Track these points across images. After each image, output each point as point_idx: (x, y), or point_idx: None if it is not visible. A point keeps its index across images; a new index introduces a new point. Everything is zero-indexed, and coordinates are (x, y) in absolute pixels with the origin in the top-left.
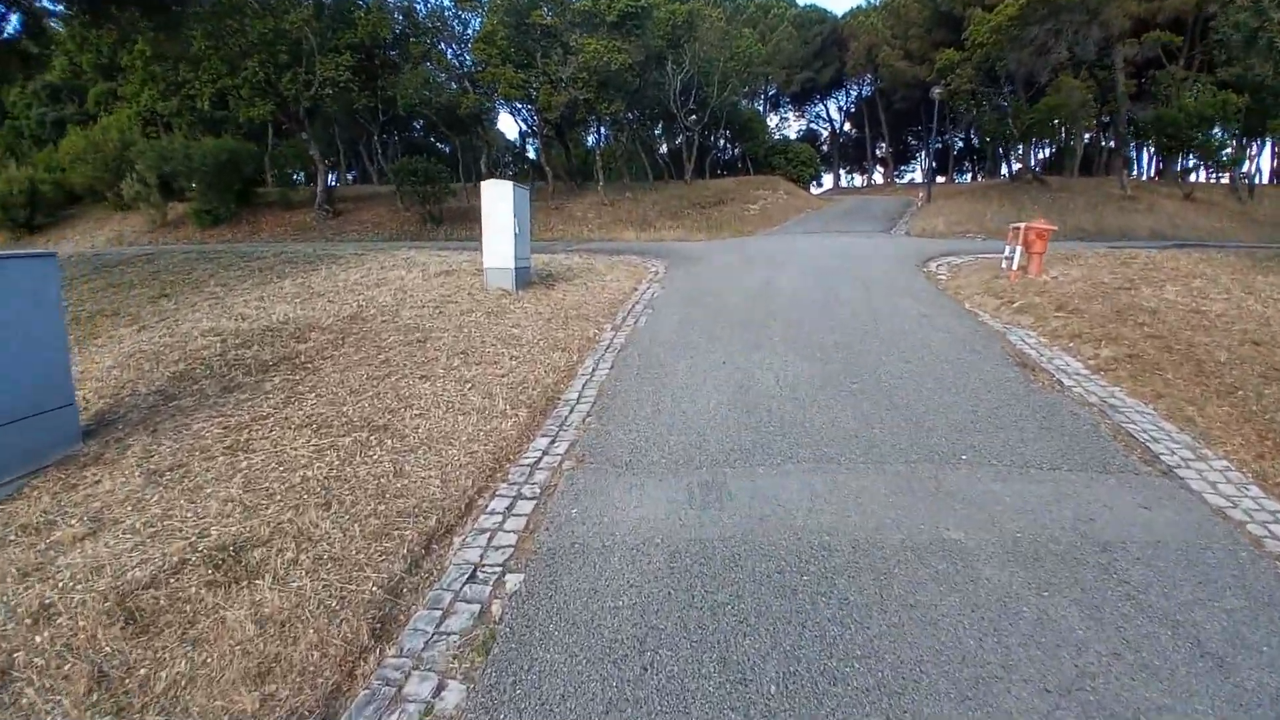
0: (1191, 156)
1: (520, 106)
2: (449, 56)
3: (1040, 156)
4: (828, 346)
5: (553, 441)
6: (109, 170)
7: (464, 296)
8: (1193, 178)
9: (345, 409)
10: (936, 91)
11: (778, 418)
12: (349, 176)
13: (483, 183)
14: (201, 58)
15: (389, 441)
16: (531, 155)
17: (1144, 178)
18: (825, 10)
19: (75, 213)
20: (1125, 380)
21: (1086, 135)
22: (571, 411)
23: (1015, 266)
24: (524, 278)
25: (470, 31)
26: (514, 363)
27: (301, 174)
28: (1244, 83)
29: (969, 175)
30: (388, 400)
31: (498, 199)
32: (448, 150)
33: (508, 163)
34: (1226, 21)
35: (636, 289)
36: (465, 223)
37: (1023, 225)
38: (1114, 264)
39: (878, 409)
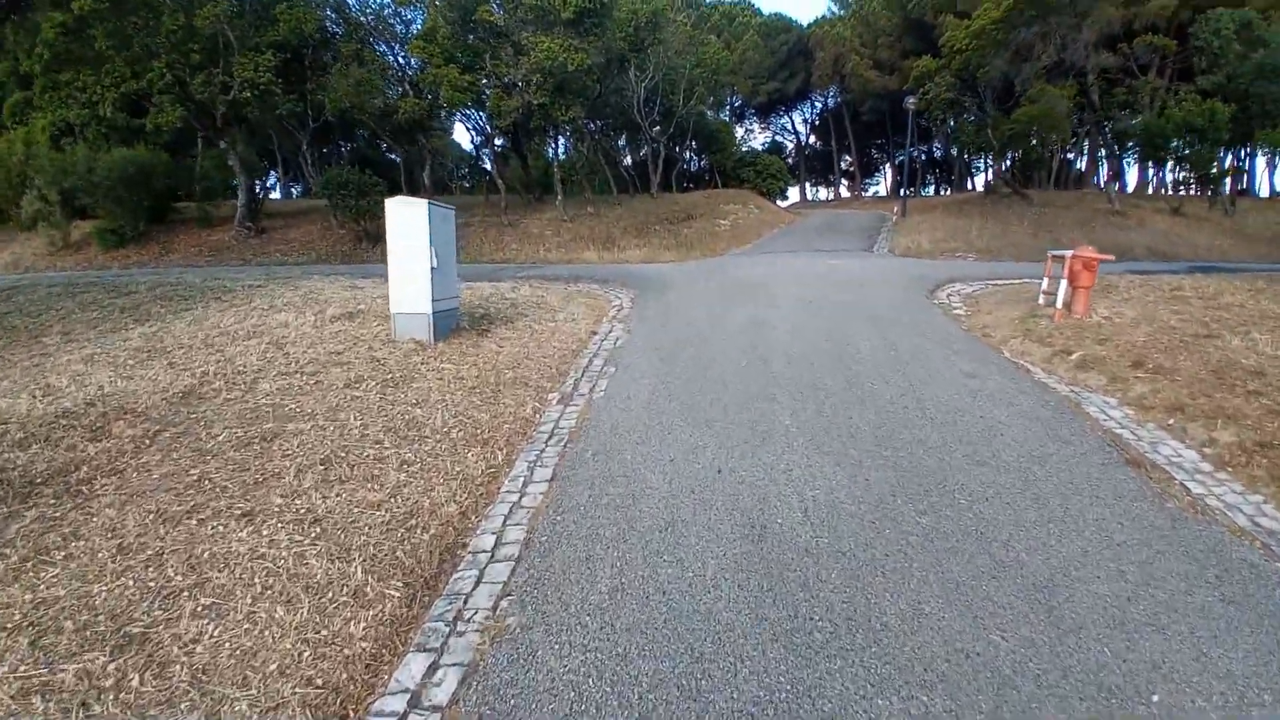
0: (1180, 169)
1: (470, 112)
2: (389, 57)
3: (1002, 168)
4: (861, 435)
5: (431, 670)
6: (11, 187)
7: (360, 353)
8: (1153, 190)
9: (94, 592)
10: (911, 101)
11: (824, 607)
12: (293, 190)
13: (387, 202)
14: (104, 60)
15: (132, 680)
16: (489, 167)
17: (1117, 191)
18: (791, 19)
19: None
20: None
21: (1065, 147)
22: (477, 585)
23: (1060, 304)
24: (447, 324)
25: (414, 31)
26: (404, 475)
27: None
28: (1226, 91)
29: (931, 188)
30: (170, 570)
31: (409, 224)
32: (399, 161)
33: (463, 175)
34: (1206, 28)
35: (595, 333)
36: None
37: (1068, 253)
38: (1163, 297)
39: (978, 578)
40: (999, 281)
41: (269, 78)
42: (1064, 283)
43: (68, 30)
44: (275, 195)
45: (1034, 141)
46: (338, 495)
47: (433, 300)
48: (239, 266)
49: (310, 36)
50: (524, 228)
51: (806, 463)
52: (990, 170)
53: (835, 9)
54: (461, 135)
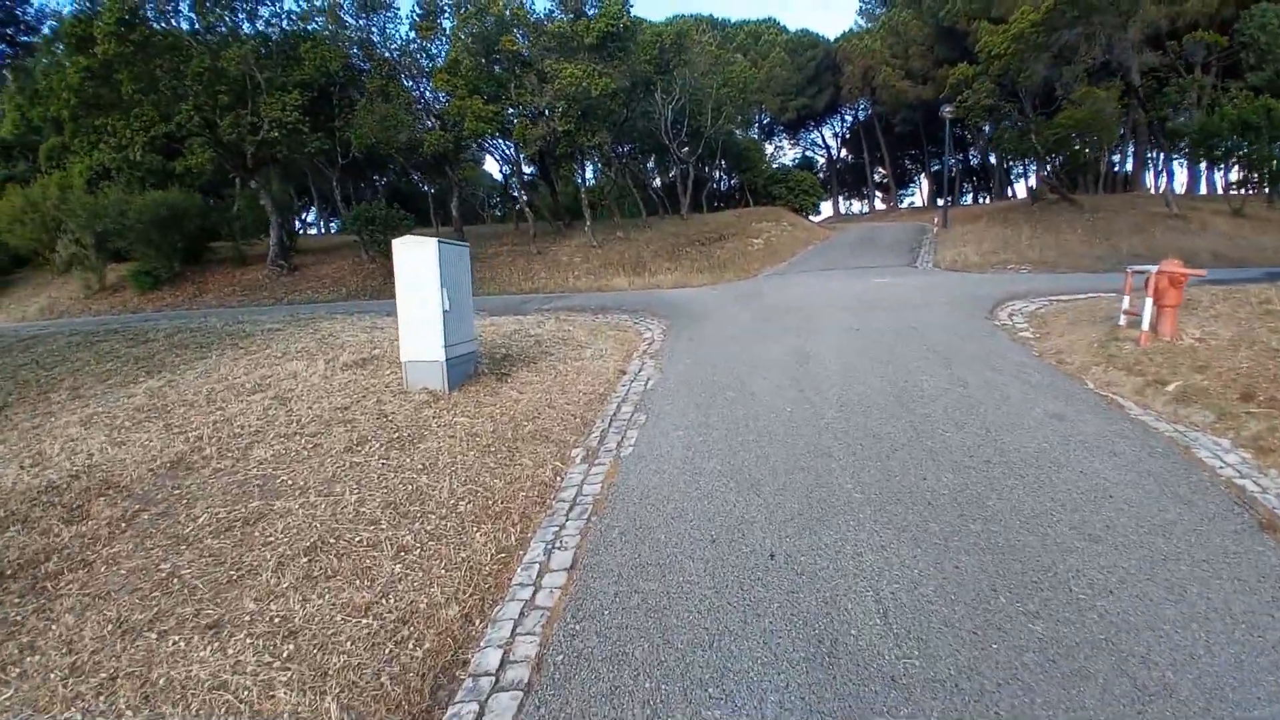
0: (1237, 168)
1: (496, 142)
2: (414, 91)
3: (1046, 174)
4: (940, 502)
5: None
6: (47, 231)
7: (367, 408)
8: (1204, 191)
9: None
10: (947, 110)
11: None
12: (331, 226)
13: (395, 243)
14: (131, 104)
15: None
16: (517, 195)
17: (1163, 193)
18: (818, 35)
19: (19, 278)
20: None
21: (1111, 150)
22: None
23: (1146, 326)
24: (463, 370)
25: (439, 64)
26: (400, 565)
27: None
28: (1277, 86)
29: (969, 197)
30: (122, 702)
31: (418, 265)
32: (431, 193)
33: (494, 203)
34: (1251, 24)
35: (624, 373)
36: None
37: (1152, 269)
38: (1256, 313)
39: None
40: (1063, 297)
41: (296, 116)
42: (1149, 301)
43: (93, 74)
44: (314, 230)
45: (1080, 145)
46: (320, 597)
47: (445, 346)
48: (269, 306)
49: (336, 74)
50: (553, 255)
51: (878, 543)
52: (1031, 176)
53: (863, 22)
54: (492, 165)
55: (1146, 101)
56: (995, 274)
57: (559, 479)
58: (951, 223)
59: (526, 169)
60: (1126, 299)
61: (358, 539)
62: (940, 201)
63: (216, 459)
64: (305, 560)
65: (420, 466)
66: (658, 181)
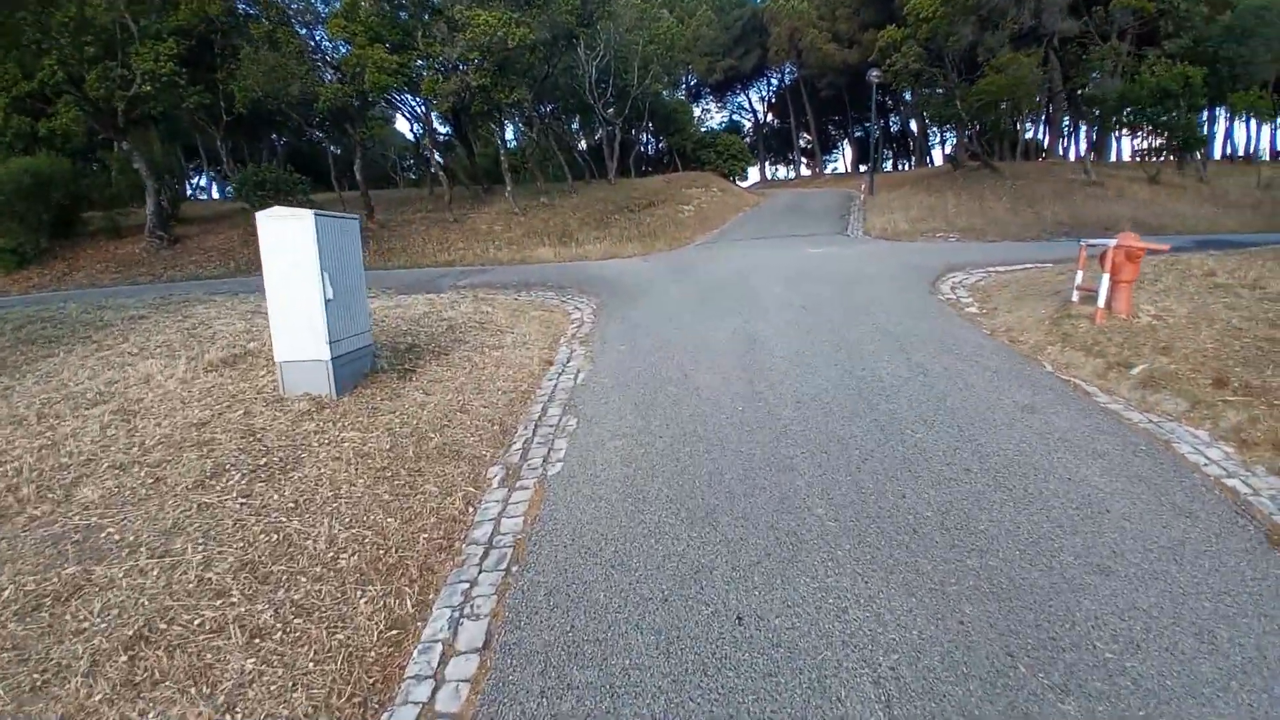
0: (1155, 135)
1: (405, 98)
2: (308, 39)
3: (968, 141)
4: (926, 528)
5: None
6: None
7: (232, 423)
8: (1111, 157)
9: None
10: (875, 74)
11: None
12: (228, 192)
13: (259, 216)
14: None
15: None
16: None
17: (1080, 160)
18: None
19: None
20: None
21: (1029, 117)
22: None
23: (1101, 303)
24: (355, 368)
25: (336, 9)
26: (252, 660)
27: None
28: (1194, 55)
29: (889, 163)
30: None
31: (291, 244)
32: (336, 154)
33: (407, 165)
34: None
35: (551, 363)
36: None
37: (1110, 244)
38: (1204, 287)
39: None
40: (999, 268)
41: (171, 67)
42: (1105, 277)
43: None
44: (214, 195)
45: (1003, 111)
46: (140, 718)
47: (330, 342)
48: (146, 284)
49: (218, 19)
50: (471, 223)
51: (865, 591)
52: (949, 144)
53: None
54: (405, 125)
55: (1070, 68)
56: (926, 242)
57: (471, 510)
58: (877, 189)
59: (441, 129)
60: (1080, 274)
61: (199, 621)
62: (863, 168)
63: (34, 503)
64: (126, 658)
65: (292, 504)
66: (583, 144)
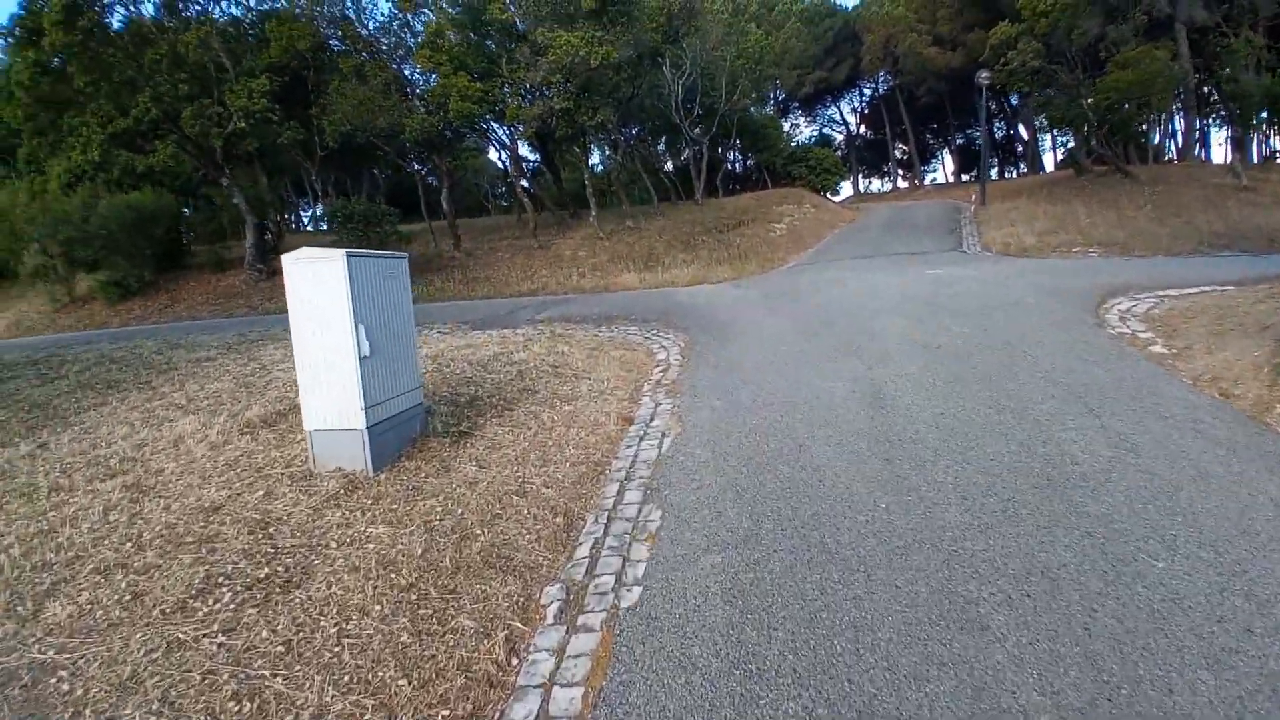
0: None
1: (491, 125)
2: (395, 70)
3: (1094, 144)
4: None
5: None
6: (18, 240)
7: (247, 507)
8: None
9: None
10: (984, 76)
11: None
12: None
13: (284, 260)
14: (86, 99)
15: None
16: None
17: (1230, 163)
18: (835, 2)
19: None
20: None
21: (1161, 116)
22: None
23: None
24: (400, 434)
25: (421, 40)
26: None
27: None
28: None
29: (994, 171)
30: None
31: (318, 290)
32: (433, 184)
33: (499, 193)
34: None
35: (630, 422)
36: (428, 273)
37: None
38: None
39: None
40: (1170, 292)
41: (264, 104)
42: None
43: (43, 69)
44: (312, 228)
45: (1133, 110)
46: None
47: (366, 408)
48: (241, 317)
49: (307, 55)
50: (555, 249)
51: None
52: (1061, 149)
53: None
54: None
55: (1213, 60)
56: (1062, 259)
57: (515, 663)
58: (989, 199)
59: (530, 155)
60: None
61: None
62: (965, 177)
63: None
64: None
65: (282, 646)
66: (670, 165)
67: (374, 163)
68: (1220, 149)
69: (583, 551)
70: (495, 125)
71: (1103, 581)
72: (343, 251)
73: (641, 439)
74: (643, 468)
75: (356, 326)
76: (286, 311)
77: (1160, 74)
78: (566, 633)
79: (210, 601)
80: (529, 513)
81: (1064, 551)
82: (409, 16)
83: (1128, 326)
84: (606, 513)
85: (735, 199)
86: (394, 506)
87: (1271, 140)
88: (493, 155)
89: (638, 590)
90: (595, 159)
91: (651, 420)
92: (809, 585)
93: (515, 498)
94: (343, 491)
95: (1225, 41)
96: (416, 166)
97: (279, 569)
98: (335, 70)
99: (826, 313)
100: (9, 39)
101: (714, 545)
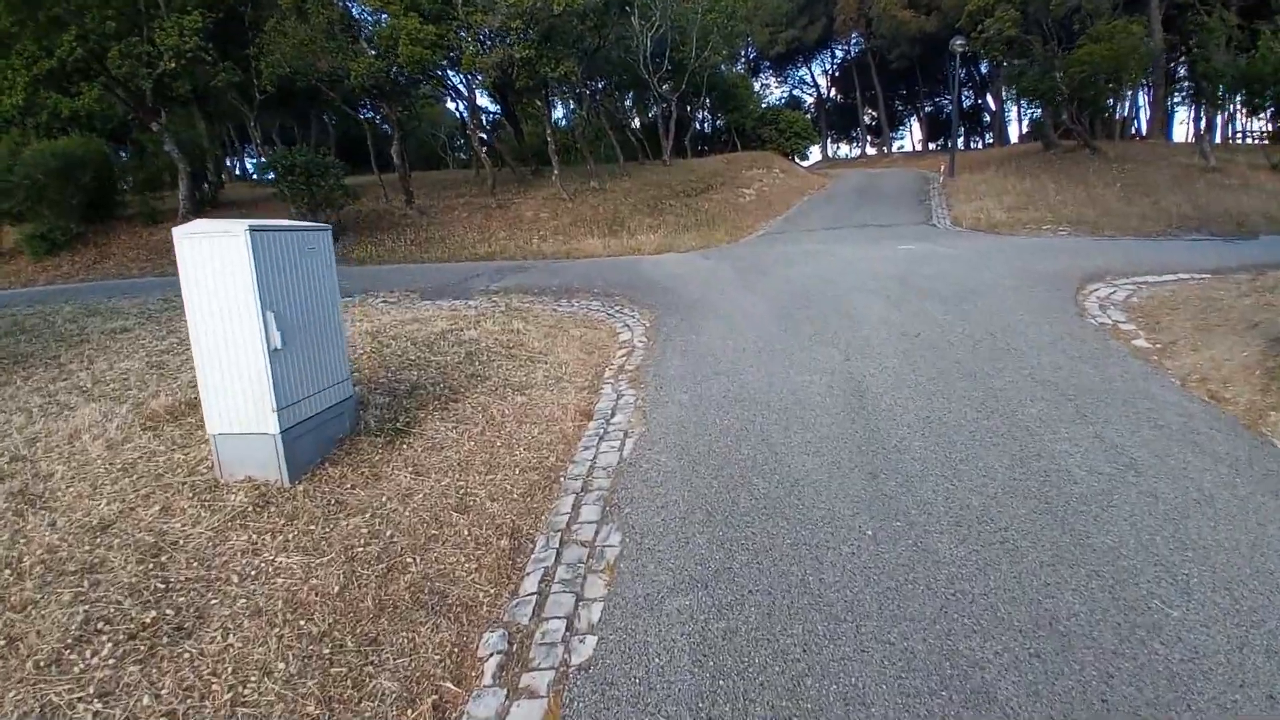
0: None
1: (444, 72)
2: (347, 9)
3: (1063, 118)
4: None
5: None
6: None
7: (144, 524)
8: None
9: None
10: (959, 43)
11: None
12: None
13: (175, 234)
14: (12, 38)
15: None
16: (485, 138)
17: (1197, 142)
18: None
19: None
20: None
21: (1128, 92)
22: None
23: None
24: (325, 434)
25: None
26: None
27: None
28: None
29: (960, 140)
30: None
31: (219, 273)
32: (386, 134)
33: (458, 146)
34: None
35: (590, 419)
36: (377, 232)
37: None
38: None
39: None
40: (1148, 279)
41: (195, 42)
42: None
43: None
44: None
45: (1106, 86)
46: None
47: (279, 409)
48: (174, 275)
49: None
50: (515, 210)
51: None
52: (1027, 121)
53: None
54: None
55: (1186, 38)
56: (1032, 236)
57: None
58: (957, 171)
59: (491, 106)
60: None
61: None
62: (933, 146)
63: None
64: None
65: (163, 717)
66: (637, 122)
67: (322, 109)
68: (1183, 127)
69: (530, 585)
70: (451, 73)
71: (1117, 637)
72: (245, 225)
73: (601, 438)
74: (601, 475)
75: (264, 314)
76: None
77: (1134, 49)
78: (507, 698)
79: (88, 654)
80: (470, 534)
81: (1072, 597)
82: None
83: (1109, 317)
84: (559, 533)
85: (704, 161)
86: (310, 527)
87: (1238, 121)
88: (450, 105)
89: (592, 641)
90: (559, 113)
91: (612, 416)
92: (790, 640)
93: (455, 514)
94: (251, 508)
95: (1200, 19)
96: (367, 115)
97: (169, 611)
98: (274, 7)
99: (800, 291)
100: None
101: (681, 583)
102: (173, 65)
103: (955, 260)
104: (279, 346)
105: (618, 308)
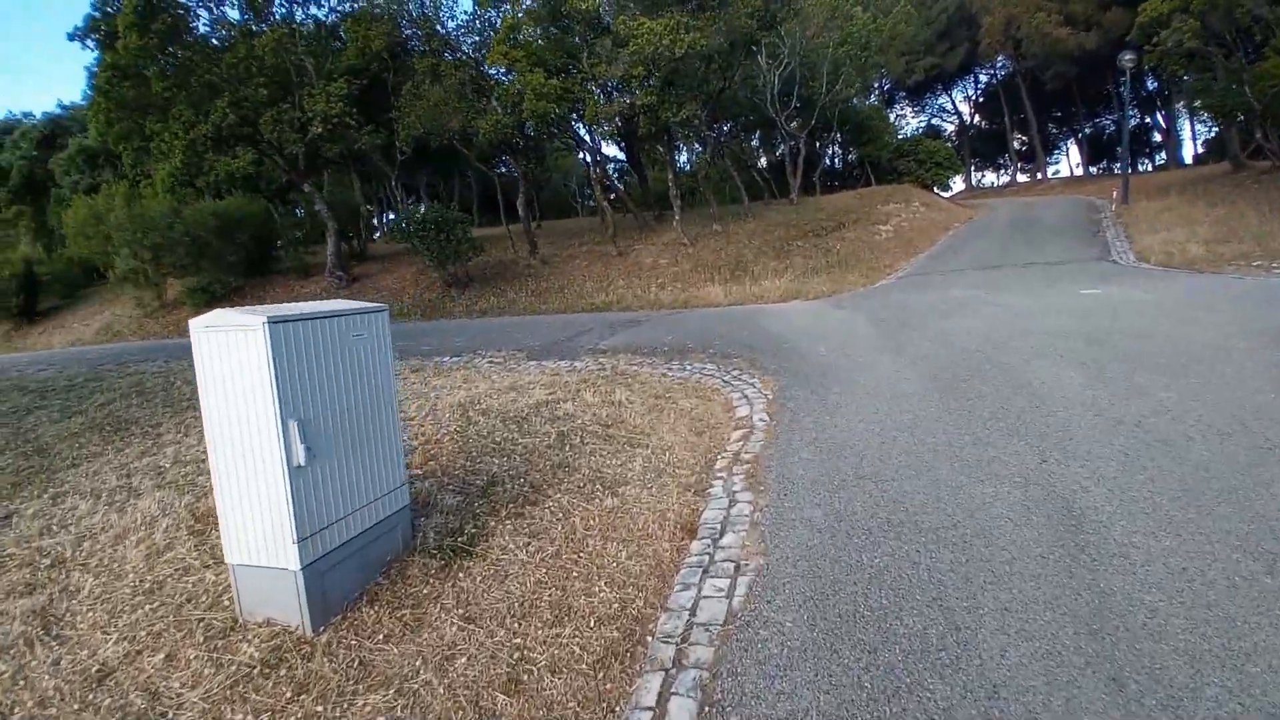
0: None
1: (570, 124)
2: (481, 70)
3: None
4: None
5: None
6: (112, 244)
7: (143, 679)
8: None
9: None
10: (1128, 58)
11: None
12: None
13: (192, 325)
14: (164, 104)
15: None
16: (613, 184)
17: None
18: None
19: (91, 292)
20: None
21: None
22: None
23: None
24: (368, 559)
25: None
26: None
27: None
28: None
29: (1129, 164)
30: None
31: (237, 370)
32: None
33: (587, 195)
34: None
35: (690, 545)
36: (500, 282)
37: None
38: None
39: None
40: None
41: (340, 108)
42: None
43: (121, 72)
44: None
45: None
46: None
47: (299, 539)
48: None
49: (385, 56)
50: (635, 256)
51: None
52: (1200, 141)
53: None
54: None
55: None
56: (1245, 276)
57: None
58: (1132, 197)
59: (618, 155)
60: None
61: None
62: (1094, 170)
63: None
64: None
65: None
66: (763, 161)
67: (462, 166)
68: None
69: None
70: (577, 124)
71: None
72: (263, 316)
73: (705, 572)
74: (701, 640)
75: (285, 424)
76: None
77: None
78: None
79: None
80: None
81: None
82: (491, 12)
83: None
84: None
85: (834, 197)
86: (318, 709)
87: None
88: (578, 155)
89: None
90: (683, 157)
91: (721, 535)
92: None
93: (501, 696)
94: (260, 669)
95: None
96: (501, 169)
97: None
98: (413, 72)
99: (960, 353)
100: (85, 42)
101: None
102: (320, 130)
103: (1158, 309)
104: (301, 463)
105: (735, 372)
